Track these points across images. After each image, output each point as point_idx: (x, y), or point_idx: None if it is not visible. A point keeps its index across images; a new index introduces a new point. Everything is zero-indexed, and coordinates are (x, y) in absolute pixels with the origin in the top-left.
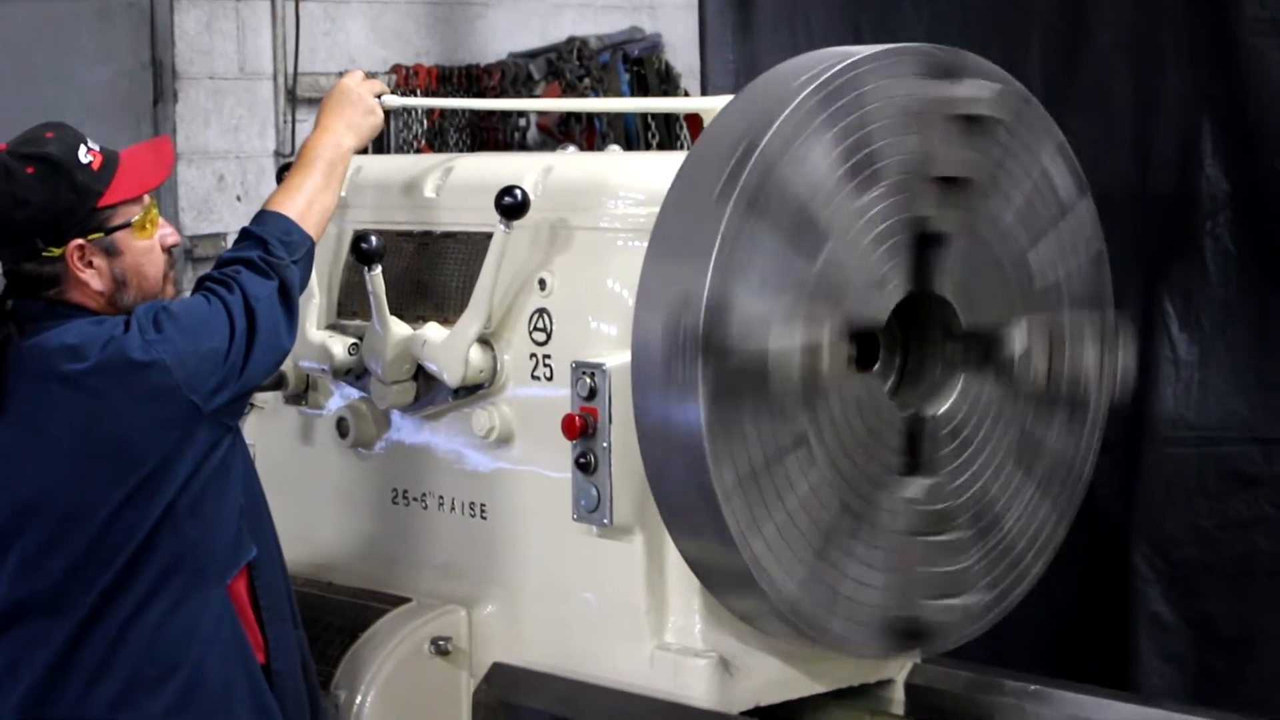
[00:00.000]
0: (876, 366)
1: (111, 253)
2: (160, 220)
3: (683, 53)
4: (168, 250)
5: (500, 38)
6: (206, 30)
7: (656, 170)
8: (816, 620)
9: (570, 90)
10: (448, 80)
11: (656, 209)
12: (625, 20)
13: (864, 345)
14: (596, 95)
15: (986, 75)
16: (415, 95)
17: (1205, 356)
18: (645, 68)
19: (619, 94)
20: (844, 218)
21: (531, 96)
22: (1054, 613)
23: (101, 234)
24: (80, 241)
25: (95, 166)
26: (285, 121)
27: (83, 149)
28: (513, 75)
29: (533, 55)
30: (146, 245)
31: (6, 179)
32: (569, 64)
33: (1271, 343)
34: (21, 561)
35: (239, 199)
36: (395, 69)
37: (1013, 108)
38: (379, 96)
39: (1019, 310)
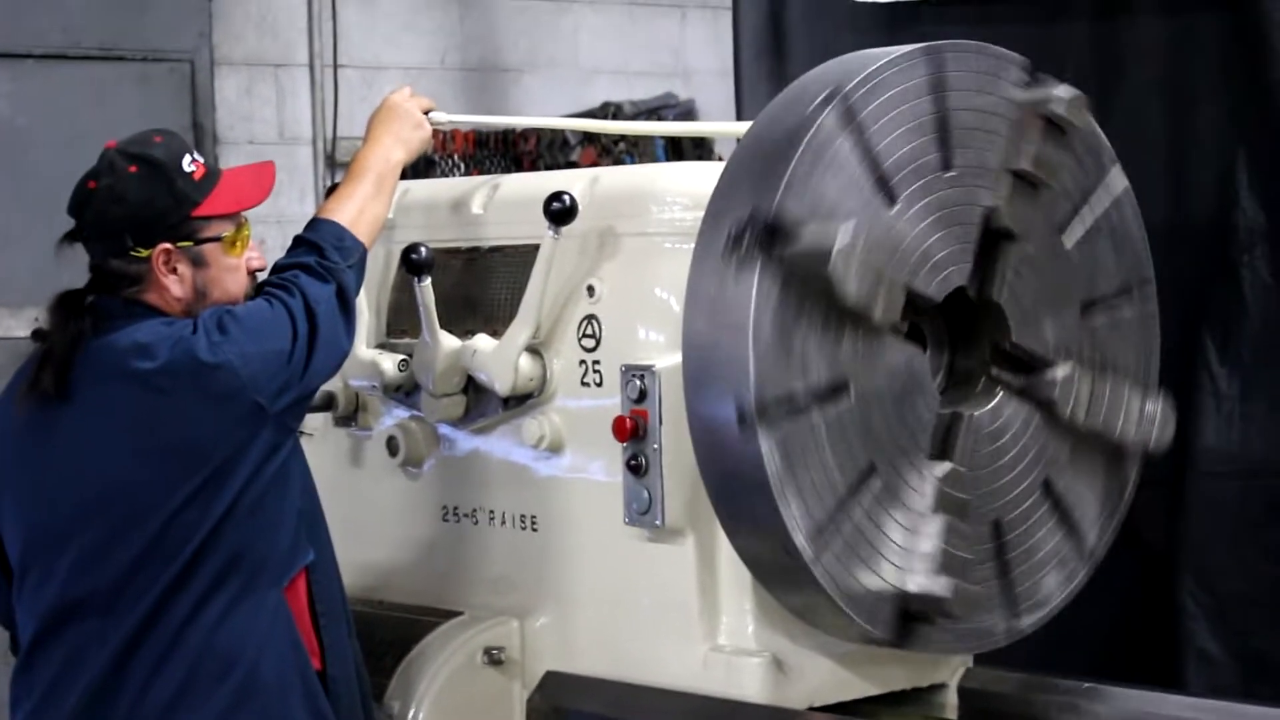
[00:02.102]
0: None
1: (198, 263)
2: (251, 242)
3: (717, 119)
4: (252, 273)
5: (536, 103)
6: (247, 95)
7: (701, 176)
8: (836, 579)
9: (606, 155)
10: (484, 145)
11: (702, 213)
12: (659, 86)
13: (913, 337)
14: (632, 160)
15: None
16: (453, 159)
17: (1246, 389)
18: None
19: (654, 159)
20: (921, 184)
21: (568, 162)
22: (1101, 649)
23: (191, 243)
24: (168, 246)
25: (196, 176)
26: (324, 186)
27: (187, 157)
28: (548, 140)
29: (579, 130)
30: (234, 263)
31: (110, 174)
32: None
33: None
34: (80, 558)
35: None
36: (433, 134)
37: (1091, 130)
38: (427, 112)
39: (1068, 344)
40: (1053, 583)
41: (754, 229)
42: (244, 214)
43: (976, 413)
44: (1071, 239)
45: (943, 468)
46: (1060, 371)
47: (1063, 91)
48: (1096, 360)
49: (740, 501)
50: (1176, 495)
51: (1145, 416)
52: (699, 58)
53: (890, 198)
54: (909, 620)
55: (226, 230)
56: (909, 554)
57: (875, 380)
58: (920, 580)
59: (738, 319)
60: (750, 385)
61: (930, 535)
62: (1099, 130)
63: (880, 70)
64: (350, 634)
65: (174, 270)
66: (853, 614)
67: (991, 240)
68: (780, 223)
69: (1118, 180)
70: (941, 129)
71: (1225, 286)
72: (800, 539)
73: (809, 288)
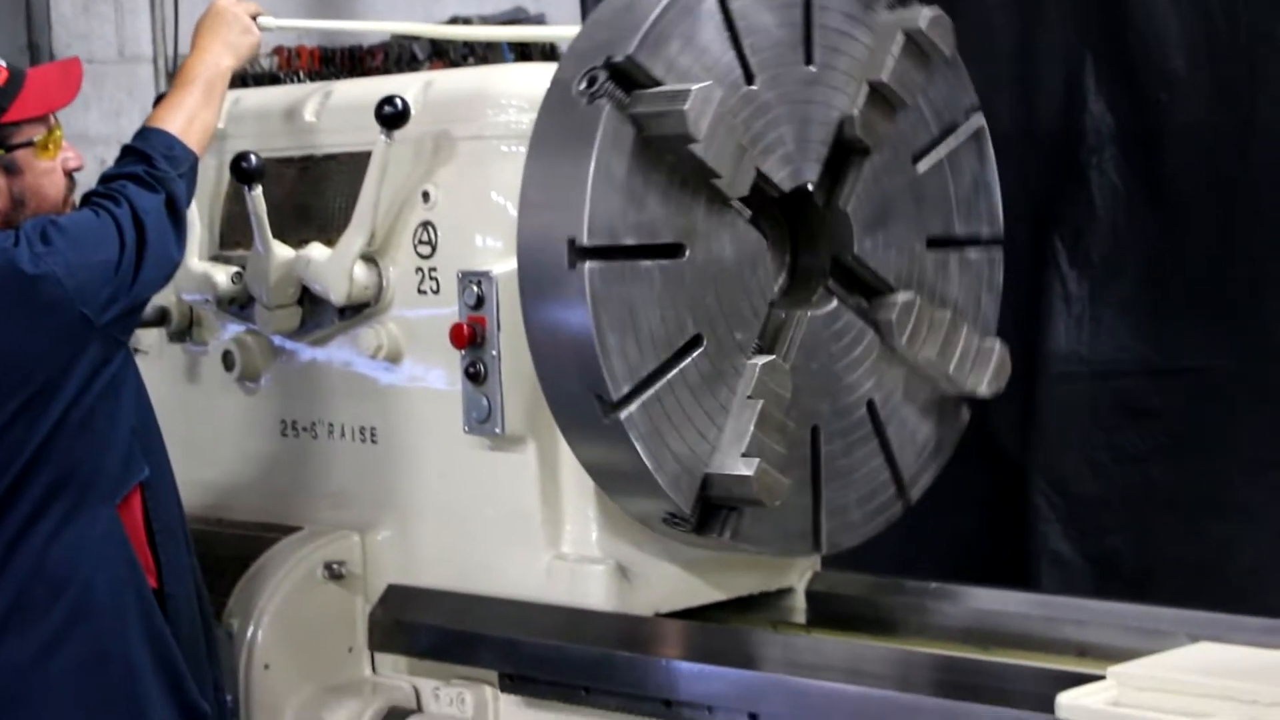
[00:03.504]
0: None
1: (11, 171)
2: (64, 143)
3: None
4: (69, 174)
5: (383, 18)
6: (84, 13)
7: (537, 77)
8: (643, 435)
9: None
10: (330, 62)
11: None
12: (508, 0)
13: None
14: None
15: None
16: (298, 76)
17: (1095, 291)
18: (530, 46)
19: None
20: (780, 71)
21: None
22: (955, 553)
23: (2, 151)
24: None
25: (0, 83)
26: None
27: None
28: (396, 55)
29: (416, 36)
30: (48, 166)
31: None
32: (453, 43)
33: (1160, 275)
34: None
35: None
36: (278, 50)
37: (956, 65)
38: (255, 17)
39: (910, 272)
40: (864, 509)
41: (608, 72)
42: (54, 115)
43: (810, 314)
44: (926, 168)
45: (766, 358)
46: (900, 298)
47: (928, 11)
48: (937, 295)
49: (562, 346)
50: (1028, 398)
51: (980, 360)
52: None
53: (748, 75)
54: (714, 505)
55: (38, 134)
56: (721, 433)
57: (714, 252)
58: (727, 460)
59: (581, 153)
60: (585, 216)
61: (744, 419)
62: (964, 70)
63: None
64: (189, 551)
65: None
66: (657, 478)
67: (843, 150)
68: (635, 68)
69: (978, 125)
70: (806, 22)
71: (1074, 189)
72: (615, 388)
73: (660, 139)
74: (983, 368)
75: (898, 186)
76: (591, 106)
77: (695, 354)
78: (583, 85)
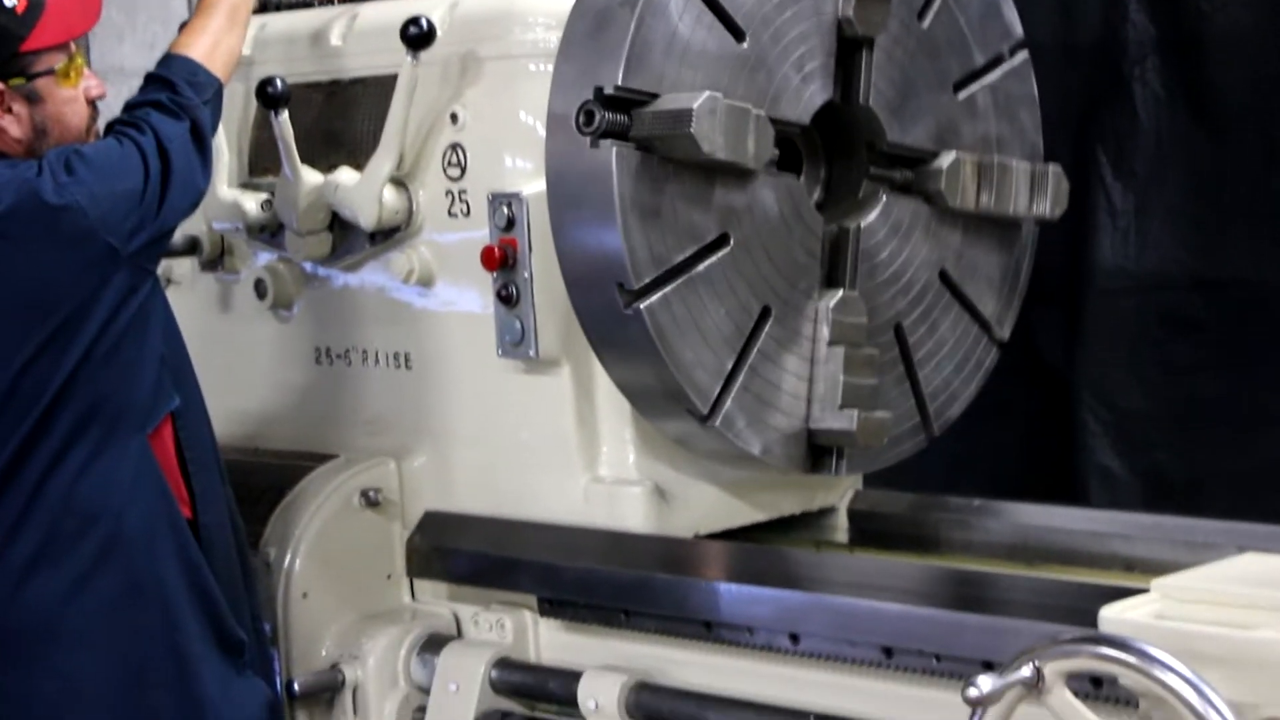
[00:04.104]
0: (801, 177)
1: (33, 100)
2: (86, 70)
3: None
4: (91, 102)
5: None
6: None
7: None
8: (743, 429)
9: None
10: None
11: None
12: None
13: (787, 156)
14: None
15: None
16: (331, 3)
17: (1141, 204)
18: None
19: None
20: (767, 9)
21: None
22: (1003, 471)
23: (23, 80)
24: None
25: (19, 10)
26: None
27: None
28: None
29: None
30: (70, 94)
31: None
32: None
33: (1206, 186)
34: None
35: None
36: None
37: None
38: None
39: (947, 130)
40: (963, 373)
41: (603, 104)
42: (75, 42)
43: (861, 224)
44: (932, 18)
45: (833, 297)
46: (944, 160)
47: None
48: (977, 137)
49: (643, 375)
50: (1074, 313)
51: (1036, 184)
52: None
53: (737, 34)
54: (822, 454)
55: (59, 62)
56: (814, 385)
57: (756, 220)
58: (826, 414)
59: (603, 199)
60: (626, 261)
61: (831, 368)
62: None
63: None
64: (222, 480)
65: (9, 110)
66: (767, 460)
67: (849, 47)
68: (628, 92)
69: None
70: None
71: (1117, 101)
72: (703, 400)
73: (672, 153)
74: (1042, 195)
75: (911, 53)
76: (598, 148)
77: (767, 326)
78: (581, 121)
